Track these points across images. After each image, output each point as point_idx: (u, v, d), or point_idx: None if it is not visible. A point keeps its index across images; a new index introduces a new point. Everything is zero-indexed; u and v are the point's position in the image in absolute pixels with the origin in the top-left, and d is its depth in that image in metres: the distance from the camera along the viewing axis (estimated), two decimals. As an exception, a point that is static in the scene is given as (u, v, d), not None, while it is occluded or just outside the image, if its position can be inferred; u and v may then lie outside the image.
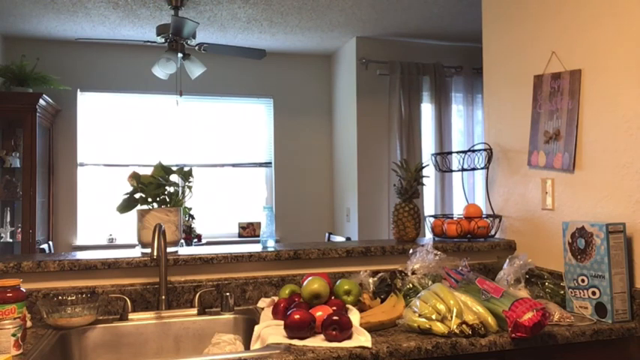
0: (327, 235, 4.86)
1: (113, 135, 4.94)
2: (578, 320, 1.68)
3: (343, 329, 1.47)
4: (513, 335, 1.49)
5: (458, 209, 4.76)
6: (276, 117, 5.29)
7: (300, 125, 5.34)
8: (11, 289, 1.51)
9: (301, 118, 5.35)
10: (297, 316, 1.49)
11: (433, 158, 2.67)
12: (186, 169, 2.12)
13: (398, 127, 4.64)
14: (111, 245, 4.82)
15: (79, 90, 4.82)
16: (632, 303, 1.69)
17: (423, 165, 2.39)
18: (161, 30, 3.74)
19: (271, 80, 5.29)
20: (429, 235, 2.54)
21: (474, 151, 2.46)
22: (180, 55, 3.84)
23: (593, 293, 1.70)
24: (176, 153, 5.07)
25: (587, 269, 1.73)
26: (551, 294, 1.83)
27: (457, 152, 2.56)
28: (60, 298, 1.78)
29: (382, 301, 1.80)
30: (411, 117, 4.69)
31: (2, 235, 4.26)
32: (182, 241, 3.68)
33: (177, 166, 3.17)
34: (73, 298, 1.79)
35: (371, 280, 1.90)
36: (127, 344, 1.75)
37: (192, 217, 4.50)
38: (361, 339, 1.47)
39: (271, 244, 2.16)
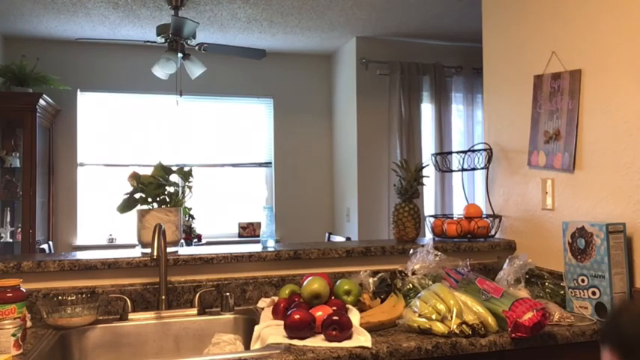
0: (327, 235, 4.85)
1: (113, 135, 4.94)
2: (578, 320, 1.68)
3: (343, 329, 1.47)
4: (513, 335, 1.49)
5: (458, 209, 4.76)
6: (276, 117, 5.29)
7: (300, 125, 5.34)
8: (11, 289, 1.51)
9: (301, 118, 5.35)
10: (297, 316, 1.49)
11: (433, 158, 2.67)
12: (186, 169, 2.12)
13: (398, 127, 4.64)
14: (111, 245, 4.82)
15: (79, 90, 4.82)
16: (632, 303, 1.69)
17: (423, 165, 2.39)
18: (161, 30, 3.74)
19: (271, 80, 5.28)
20: (429, 235, 2.54)
21: (474, 151, 2.46)
22: (180, 55, 3.84)
23: (593, 293, 1.70)
24: (176, 153, 5.07)
25: (587, 269, 1.73)
26: (551, 294, 1.84)
27: (457, 152, 2.56)
28: (60, 298, 1.78)
29: (382, 301, 1.80)
30: (411, 117, 4.69)
31: (2, 235, 4.26)
32: (182, 241, 3.68)
33: (177, 166, 3.17)
34: (73, 298, 1.79)
35: (371, 280, 1.90)
36: (127, 344, 1.75)
37: (192, 217, 4.50)
38: (361, 339, 1.47)
39: (271, 244, 2.16)
